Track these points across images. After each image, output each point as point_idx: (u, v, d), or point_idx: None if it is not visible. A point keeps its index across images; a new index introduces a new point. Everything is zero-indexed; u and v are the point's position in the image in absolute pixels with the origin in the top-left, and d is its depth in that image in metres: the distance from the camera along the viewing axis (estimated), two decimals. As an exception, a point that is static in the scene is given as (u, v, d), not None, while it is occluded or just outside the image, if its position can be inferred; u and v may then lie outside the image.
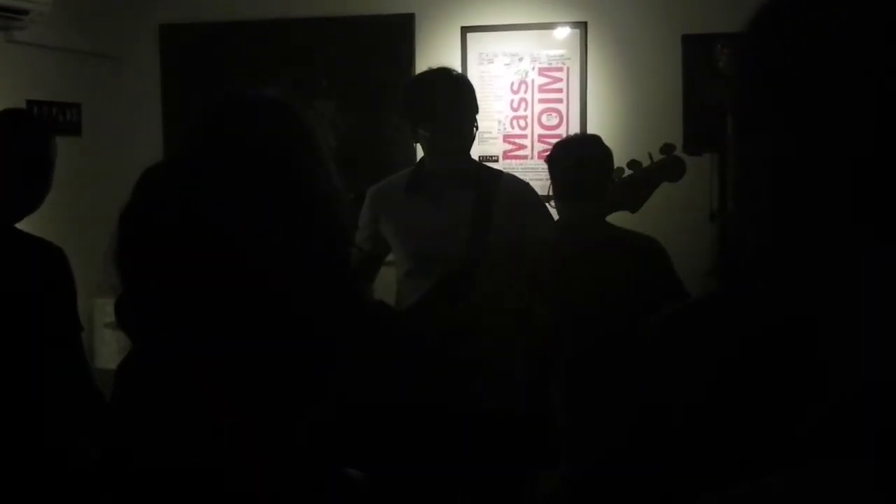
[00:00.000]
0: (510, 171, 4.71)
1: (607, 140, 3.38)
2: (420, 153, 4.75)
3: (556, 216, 3.29)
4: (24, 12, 3.97)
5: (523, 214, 3.02)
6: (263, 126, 1.17)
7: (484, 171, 3.15)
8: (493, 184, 3.03)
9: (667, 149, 3.24)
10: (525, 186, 3.18)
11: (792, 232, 0.62)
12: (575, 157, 3.25)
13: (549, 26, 4.68)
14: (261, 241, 1.02)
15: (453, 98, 2.96)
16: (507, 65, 4.74)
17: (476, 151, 4.75)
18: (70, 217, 4.08)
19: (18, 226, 2.78)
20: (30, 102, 4.27)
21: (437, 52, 4.83)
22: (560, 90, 4.70)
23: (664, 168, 3.47)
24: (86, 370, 2.80)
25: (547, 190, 3.34)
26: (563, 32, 4.67)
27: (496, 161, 4.75)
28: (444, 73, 3.06)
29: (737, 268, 1.57)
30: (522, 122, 4.74)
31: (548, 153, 3.40)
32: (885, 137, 0.57)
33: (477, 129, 3.02)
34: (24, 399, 2.60)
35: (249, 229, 1.02)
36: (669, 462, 1.53)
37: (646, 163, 3.60)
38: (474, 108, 3.01)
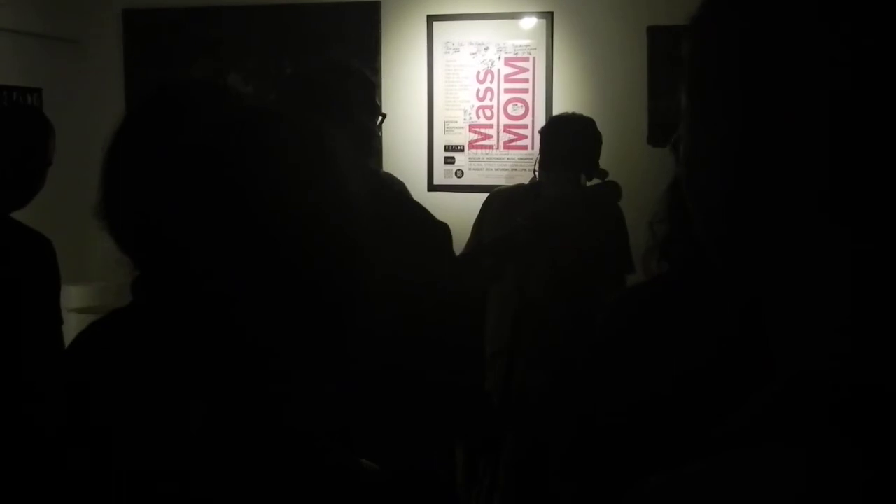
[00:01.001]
0: (476, 160, 4.77)
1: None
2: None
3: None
4: (-16, -5, 3.91)
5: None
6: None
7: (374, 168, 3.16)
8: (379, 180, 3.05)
9: (602, 174, 3.38)
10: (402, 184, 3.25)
11: (742, 210, 0.62)
12: (555, 128, 3.55)
13: (515, 16, 4.68)
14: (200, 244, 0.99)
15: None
16: (472, 54, 4.74)
17: (442, 141, 4.80)
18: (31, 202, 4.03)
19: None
20: (-10, 87, 4.21)
21: (402, 40, 4.82)
22: (526, 80, 4.70)
23: (601, 194, 3.57)
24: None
25: (533, 166, 3.60)
26: (530, 22, 4.67)
27: (461, 150, 4.76)
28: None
29: (678, 248, 1.57)
30: (488, 112, 4.74)
31: (512, 142, 3.53)
32: (841, 117, 0.57)
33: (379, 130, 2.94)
34: (3, 388, 2.61)
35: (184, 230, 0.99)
36: (620, 445, 1.53)
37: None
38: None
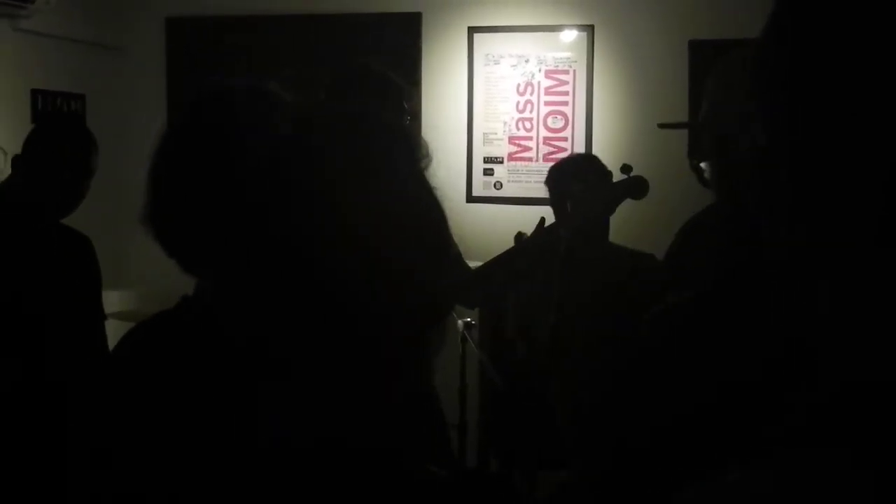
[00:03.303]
0: (515, 172, 4.76)
1: (611, 143, 3.39)
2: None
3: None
4: (30, 1, 3.96)
5: None
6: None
7: None
8: None
9: (625, 169, 3.29)
10: None
11: (808, 223, 0.62)
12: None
13: (556, 28, 4.67)
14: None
15: None
16: (513, 66, 4.73)
17: (481, 152, 4.79)
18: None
19: None
20: (34, 92, 4.26)
21: (443, 51, 4.82)
22: (566, 93, 4.68)
23: (626, 187, 3.51)
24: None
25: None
26: (570, 35, 4.66)
27: (500, 162, 4.75)
28: None
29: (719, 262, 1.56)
30: (528, 124, 4.73)
31: (552, 154, 3.44)
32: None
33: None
34: (51, 384, 2.70)
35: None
36: (659, 457, 1.52)
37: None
38: None
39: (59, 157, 2.84)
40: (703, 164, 2.04)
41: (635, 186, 3.22)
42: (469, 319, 3.53)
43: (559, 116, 4.70)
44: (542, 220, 3.02)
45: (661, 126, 3.42)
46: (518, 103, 4.73)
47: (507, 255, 2.94)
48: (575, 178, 3.31)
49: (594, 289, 3.06)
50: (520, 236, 2.95)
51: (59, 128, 3.04)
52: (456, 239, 3.33)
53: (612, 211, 3.30)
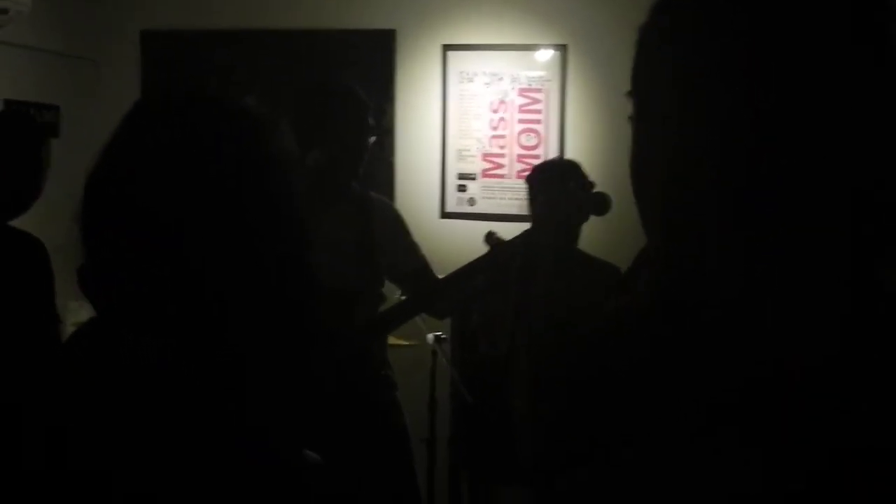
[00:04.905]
0: (488, 189, 4.78)
1: (584, 161, 3.41)
2: (398, 170, 4.79)
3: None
4: (4, 11, 3.95)
5: (397, 232, 3.06)
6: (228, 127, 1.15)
7: (362, 190, 3.12)
8: (369, 203, 3.05)
9: (489, 238, 3.31)
10: (395, 209, 3.22)
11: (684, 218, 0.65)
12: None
13: (530, 48, 4.71)
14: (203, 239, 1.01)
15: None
16: (487, 84, 4.76)
17: (455, 169, 4.81)
18: (46, 219, 4.05)
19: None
20: (7, 102, 4.24)
21: (417, 68, 4.85)
22: (539, 111, 4.73)
23: (589, 202, 3.53)
24: None
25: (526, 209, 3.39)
26: (544, 55, 4.70)
27: (474, 179, 4.77)
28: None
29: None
30: (502, 142, 4.76)
31: (525, 171, 3.45)
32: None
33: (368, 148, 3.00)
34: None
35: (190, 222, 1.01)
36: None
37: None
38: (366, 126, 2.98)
39: (5, 154, 2.76)
40: None
41: (598, 203, 3.24)
42: (440, 333, 3.54)
43: (532, 134, 4.73)
44: (490, 233, 3.01)
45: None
46: (492, 120, 4.77)
47: (470, 266, 2.95)
48: (551, 183, 3.33)
49: (550, 295, 3.08)
50: (490, 235, 2.96)
51: (3, 123, 2.93)
52: (429, 253, 3.36)
53: (574, 223, 3.31)
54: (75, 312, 4.11)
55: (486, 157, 4.78)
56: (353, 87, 3.07)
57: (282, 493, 0.99)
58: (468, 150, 4.78)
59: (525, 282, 2.99)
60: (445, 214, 4.80)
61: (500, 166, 4.77)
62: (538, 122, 4.73)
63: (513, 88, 4.74)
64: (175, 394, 1.00)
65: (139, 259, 1.03)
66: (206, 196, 1.02)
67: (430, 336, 3.53)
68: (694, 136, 0.64)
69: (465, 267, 2.95)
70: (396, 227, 3.09)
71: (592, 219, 3.06)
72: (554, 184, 3.34)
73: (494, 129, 4.77)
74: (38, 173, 2.82)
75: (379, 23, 4.86)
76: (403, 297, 3.09)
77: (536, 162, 4.66)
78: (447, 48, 4.80)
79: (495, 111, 4.76)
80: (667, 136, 0.66)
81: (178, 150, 1.05)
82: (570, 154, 4.60)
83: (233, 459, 0.98)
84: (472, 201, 4.79)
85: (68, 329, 4.36)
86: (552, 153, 4.65)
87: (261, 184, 1.04)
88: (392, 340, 3.39)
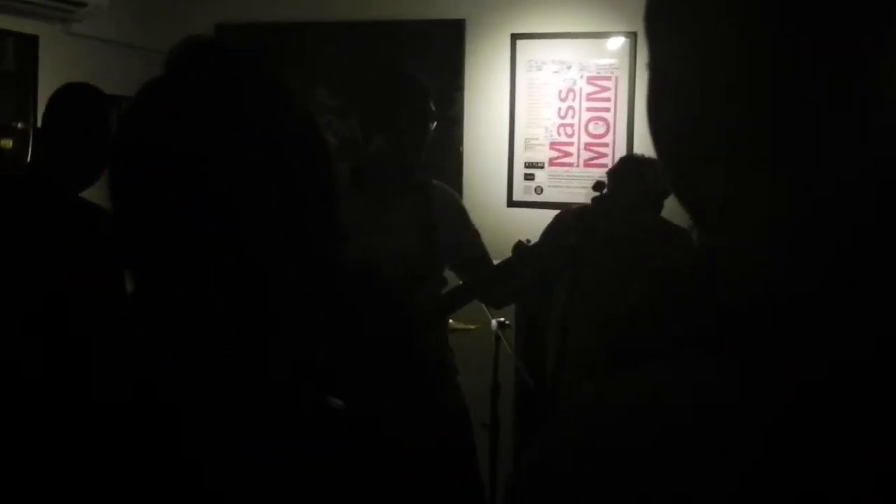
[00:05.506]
0: (555, 177, 4.77)
1: (653, 149, 3.39)
2: (466, 159, 4.80)
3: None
4: (83, 5, 4.07)
5: (458, 220, 3.07)
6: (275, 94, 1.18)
7: (424, 177, 3.13)
8: (429, 189, 3.06)
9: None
10: (457, 197, 3.22)
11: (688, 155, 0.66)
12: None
13: (599, 35, 4.69)
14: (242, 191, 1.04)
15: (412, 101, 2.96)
16: (555, 72, 4.75)
17: (522, 157, 4.81)
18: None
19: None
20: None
21: (486, 58, 4.86)
22: (608, 99, 4.70)
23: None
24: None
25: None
26: (614, 42, 4.67)
27: (541, 167, 4.77)
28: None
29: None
30: (569, 130, 4.75)
31: (593, 160, 3.46)
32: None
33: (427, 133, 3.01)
34: (73, 361, 2.69)
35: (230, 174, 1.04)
36: None
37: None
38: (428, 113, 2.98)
39: (72, 125, 2.78)
40: None
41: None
42: (503, 319, 3.55)
43: (601, 122, 4.71)
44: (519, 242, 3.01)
45: None
46: (559, 109, 4.75)
47: (519, 256, 2.96)
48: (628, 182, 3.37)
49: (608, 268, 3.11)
50: (519, 245, 2.98)
51: (71, 95, 2.91)
52: (496, 242, 3.36)
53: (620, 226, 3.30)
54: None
55: (554, 145, 4.77)
56: (414, 73, 3.10)
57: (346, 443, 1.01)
58: (536, 139, 4.78)
59: (577, 264, 2.99)
60: (512, 203, 4.81)
61: (568, 154, 4.75)
62: (607, 110, 4.70)
63: (581, 76, 4.72)
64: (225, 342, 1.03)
65: (174, 203, 1.06)
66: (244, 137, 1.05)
67: (494, 322, 3.54)
68: (721, 74, 0.63)
69: (511, 258, 2.97)
70: (457, 215, 3.11)
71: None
72: (624, 178, 3.36)
73: (562, 117, 4.76)
74: (107, 145, 2.81)
75: (449, 13, 4.89)
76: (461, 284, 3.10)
77: (605, 150, 4.66)
78: (516, 37, 4.80)
79: (563, 100, 4.75)
80: (688, 76, 0.66)
81: (209, 97, 1.08)
82: (638, 142, 4.57)
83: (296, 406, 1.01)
84: (539, 190, 4.79)
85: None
86: (620, 142, 4.63)
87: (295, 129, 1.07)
88: (455, 325, 3.41)
